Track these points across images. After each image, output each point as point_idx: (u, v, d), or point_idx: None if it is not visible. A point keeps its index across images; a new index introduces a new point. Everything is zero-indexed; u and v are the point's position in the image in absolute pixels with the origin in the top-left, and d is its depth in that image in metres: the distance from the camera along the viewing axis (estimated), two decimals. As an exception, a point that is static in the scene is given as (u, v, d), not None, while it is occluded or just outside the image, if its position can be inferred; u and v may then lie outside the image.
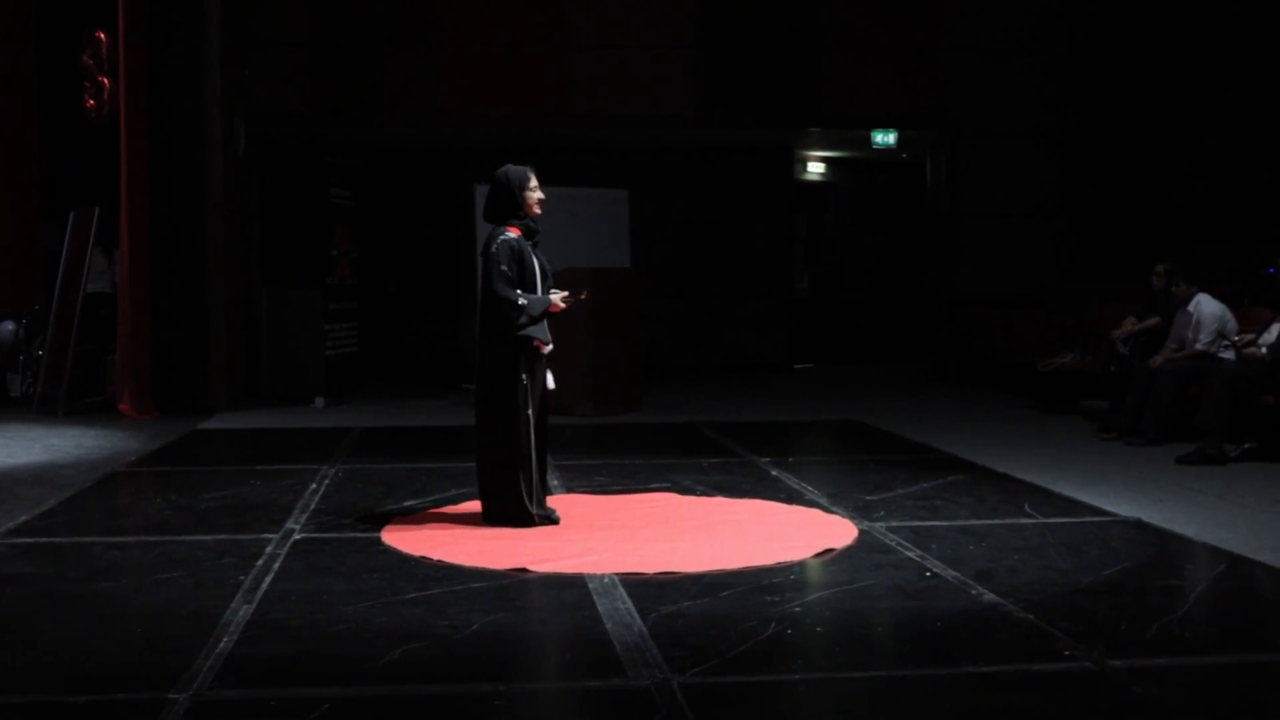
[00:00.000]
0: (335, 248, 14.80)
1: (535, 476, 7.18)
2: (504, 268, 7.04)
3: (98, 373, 13.45)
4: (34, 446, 10.62)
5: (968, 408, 13.52)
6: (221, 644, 4.98)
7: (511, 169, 7.28)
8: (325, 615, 5.42)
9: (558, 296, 7.21)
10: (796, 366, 18.62)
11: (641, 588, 5.85)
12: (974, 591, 5.80)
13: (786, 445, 10.95)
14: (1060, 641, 5.04)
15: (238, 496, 8.24)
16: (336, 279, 14.85)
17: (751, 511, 7.79)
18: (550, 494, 7.61)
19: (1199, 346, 10.68)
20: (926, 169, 18.06)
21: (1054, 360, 12.99)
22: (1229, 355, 10.37)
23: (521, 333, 7.05)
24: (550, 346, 7.20)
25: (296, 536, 7.00)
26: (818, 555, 6.54)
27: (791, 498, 8.18)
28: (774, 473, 9.18)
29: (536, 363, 7.17)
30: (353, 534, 7.09)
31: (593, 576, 6.05)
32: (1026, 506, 7.85)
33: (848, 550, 6.68)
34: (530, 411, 7.14)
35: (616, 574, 6.08)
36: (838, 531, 7.09)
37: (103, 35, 13.45)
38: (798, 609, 5.51)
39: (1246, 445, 9.64)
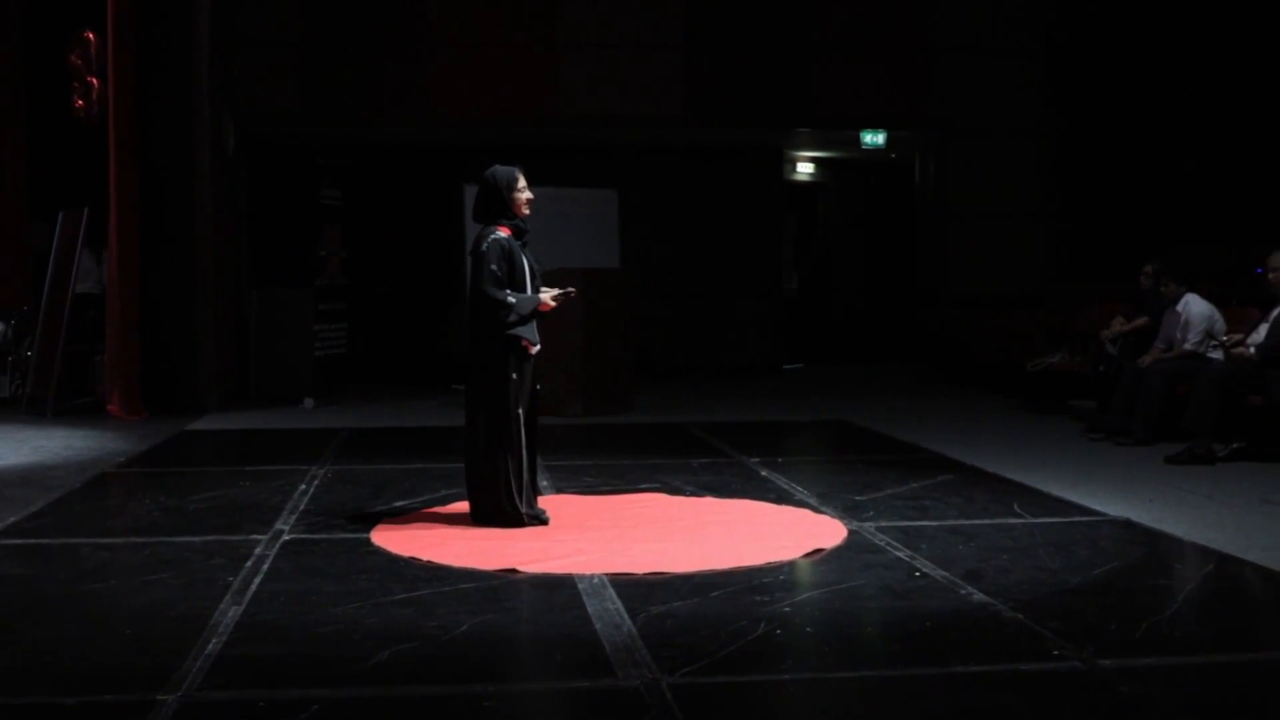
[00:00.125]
0: (325, 248, 14.79)
1: (525, 477, 7.18)
2: (494, 267, 7.04)
3: (86, 373, 13.42)
4: (22, 447, 10.60)
5: (957, 408, 13.54)
6: (210, 645, 4.98)
7: (500, 170, 7.27)
8: (314, 616, 5.41)
9: (547, 295, 7.21)
10: (786, 367, 18.63)
11: (631, 588, 5.84)
12: (963, 591, 5.80)
13: (776, 445, 10.96)
14: (1049, 641, 5.04)
15: (227, 497, 8.23)
16: (326, 279, 14.84)
17: (741, 512, 7.79)
18: (540, 494, 7.61)
19: (1187, 346, 10.71)
20: (916, 169, 18.09)
21: (1043, 360, 13.01)
22: (1217, 355, 10.40)
23: (510, 332, 7.05)
24: (538, 347, 7.20)
25: (286, 537, 6.99)
26: (807, 555, 6.55)
27: (781, 498, 8.19)
28: (763, 473, 9.18)
29: (525, 362, 7.17)
30: (342, 535, 7.09)
31: (582, 577, 6.04)
32: (1016, 506, 7.86)
33: (837, 550, 6.68)
34: (520, 411, 7.14)
35: (606, 574, 6.08)
36: (827, 531, 7.09)
37: (91, 35, 13.41)
38: (787, 609, 5.51)
39: (1235, 445, 9.67)
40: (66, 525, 7.47)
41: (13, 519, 7.56)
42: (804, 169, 20.14)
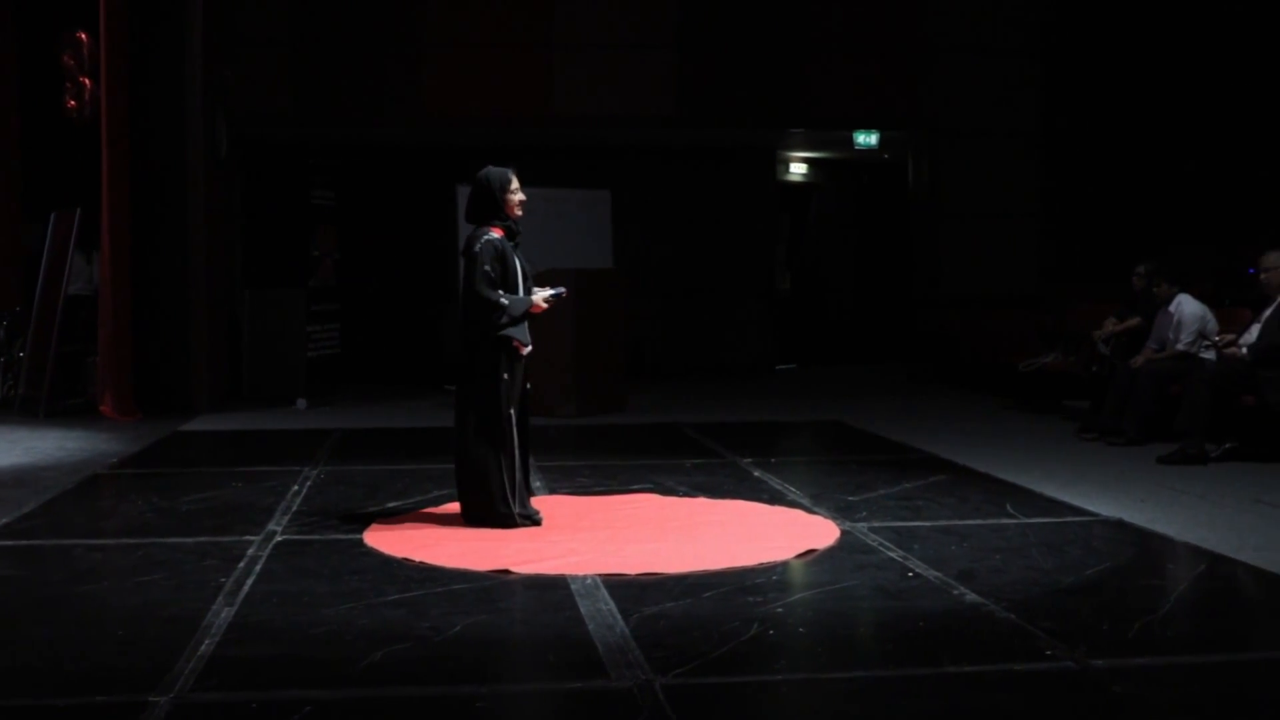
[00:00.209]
0: (317, 249, 14.78)
1: (518, 477, 7.17)
2: (487, 268, 7.04)
3: (79, 374, 13.40)
4: (15, 448, 10.58)
5: (950, 408, 13.54)
6: (203, 646, 4.97)
7: (493, 171, 7.27)
8: (307, 617, 5.40)
9: (539, 297, 7.21)
10: (779, 367, 18.62)
11: (624, 589, 5.84)
12: (956, 591, 5.81)
13: (769, 446, 10.96)
14: (1042, 641, 5.05)
15: (219, 498, 8.22)
16: (319, 280, 14.82)
17: (734, 512, 7.79)
18: (533, 495, 7.60)
19: (1180, 347, 10.72)
20: (909, 169, 18.10)
21: (1035, 360, 13.02)
22: (1210, 355, 10.40)
23: (501, 333, 7.05)
24: (530, 348, 7.20)
25: (278, 538, 6.99)
26: (800, 556, 6.55)
27: (774, 498, 8.19)
28: (756, 473, 9.18)
29: (516, 363, 7.17)
30: (335, 536, 7.08)
31: (575, 578, 6.04)
32: (1008, 507, 7.87)
33: (830, 551, 6.69)
34: (512, 411, 7.14)
35: (599, 575, 6.08)
36: (820, 532, 7.10)
37: (84, 35, 13.40)
38: (780, 610, 5.51)
39: (1227, 445, 9.67)
40: (59, 526, 7.46)
41: (5, 520, 7.55)
42: (797, 169, 20.15)
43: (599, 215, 16.12)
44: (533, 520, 7.21)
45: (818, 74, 16.73)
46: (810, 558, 6.53)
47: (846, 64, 16.81)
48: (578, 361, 12.85)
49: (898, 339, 18.84)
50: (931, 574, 6.13)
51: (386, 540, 6.87)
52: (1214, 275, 13.30)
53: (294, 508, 7.89)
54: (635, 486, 8.64)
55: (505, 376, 7.11)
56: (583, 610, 5.49)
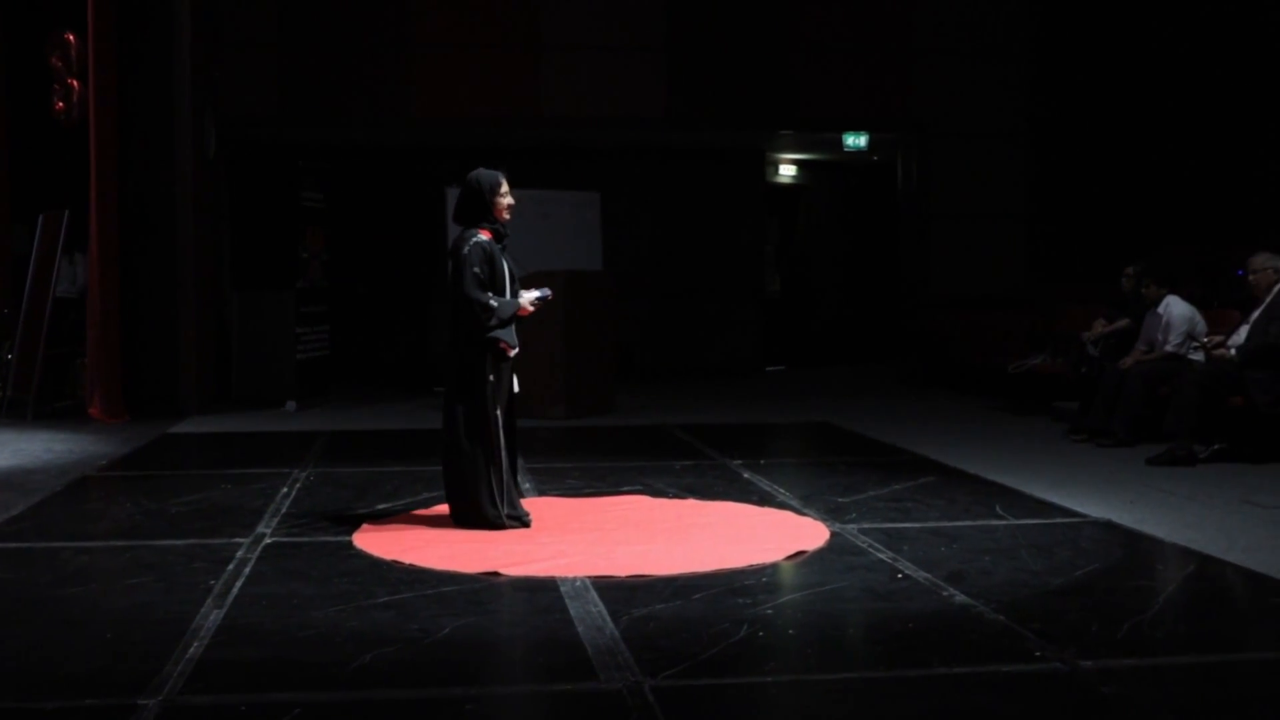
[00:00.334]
0: (306, 250, 14.75)
1: (505, 477, 7.17)
2: (476, 270, 7.04)
3: (67, 376, 13.37)
4: (2, 451, 10.55)
5: (939, 409, 13.56)
6: (191, 649, 4.96)
7: (484, 173, 7.27)
8: (296, 620, 5.40)
9: (526, 300, 7.21)
10: (768, 368, 18.64)
11: (613, 590, 5.84)
12: (945, 593, 5.81)
13: (758, 447, 10.96)
14: (1031, 642, 5.05)
15: (208, 500, 8.21)
16: (308, 282, 14.81)
17: (723, 514, 7.79)
18: (522, 496, 7.60)
19: (1169, 348, 10.74)
20: (898, 171, 18.12)
21: (1024, 362, 13.04)
22: (1198, 357, 10.42)
23: (489, 335, 7.05)
24: (516, 350, 7.20)
25: (267, 541, 6.98)
26: (790, 557, 6.55)
27: (763, 500, 8.19)
28: (746, 475, 9.19)
29: (503, 364, 7.17)
30: (324, 538, 7.07)
31: (564, 579, 6.04)
32: (997, 508, 7.87)
33: (819, 552, 6.69)
34: (499, 412, 7.13)
35: (588, 577, 6.08)
36: (809, 533, 7.10)
37: (72, 37, 13.37)
38: (770, 611, 5.51)
39: (1216, 446, 9.69)
40: (47, 529, 7.44)
41: (-7, 523, 7.54)
42: (786, 171, 20.17)
43: (588, 217, 16.13)
44: (522, 521, 7.21)
45: (807, 76, 16.75)
46: (800, 559, 6.53)
47: (835, 66, 16.84)
48: (567, 363, 12.84)
49: (887, 340, 18.88)
50: (921, 575, 6.13)
51: (376, 542, 6.87)
52: (1202, 276, 13.32)
53: (283, 510, 7.88)
54: (625, 488, 8.63)
55: (492, 378, 7.11)
56: (572, 612, 5.49)
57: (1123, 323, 11.57)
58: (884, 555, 6.56)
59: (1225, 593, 6.21)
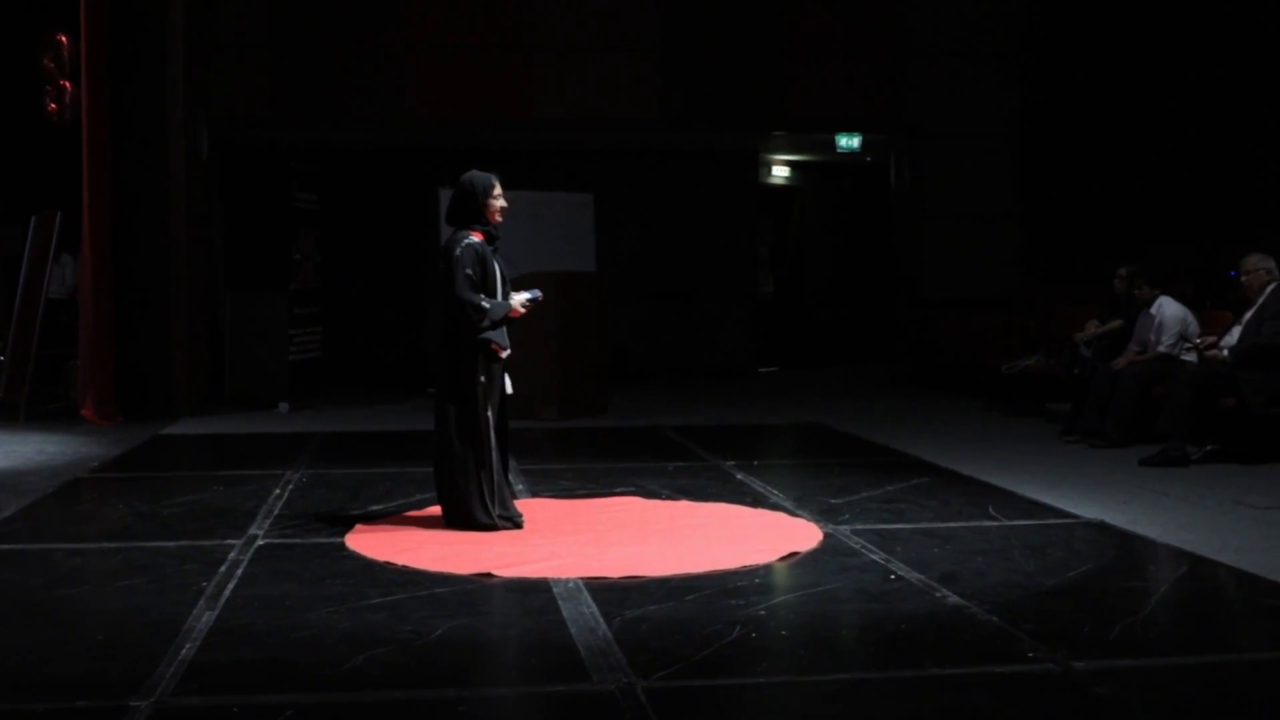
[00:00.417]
0: (299, 252, 14.74)
1: (496, 479, 7.17)
2: (469, 271, 7.04)
3: (60, 378, 13.35)
4: (-6, 452, 10.55)
5: (932, 410, 13.56)
6: (184, 651, 4.95)
7: (477, 175, 7.26)
8: (288, 621, 5.39)
9: (517, 301, 7.21)
10: (761, 369, 18.64)
11: (606, 592, 5.84)
12: (938, 594, 5.81)
13: (751, 448, 10.96)
14: (1024, 643, 5.05)
15: (201, 502, 8.20)
16: (300, 283, 14.79)
17: (716, 515, 7.79)
18: (515, 498, 7.60)
19: (1161, 349, 10.75)
20: (890, 172, 18.13)
21: (1017, 363, 13.04)
22: (1191, 358, 10.43)
23: (481, 336, 7.05)
24: (508, 351, 7.20)
25: (260, 542, 6.97)
26: (782, 558, 6.55)
27: (756, 501, 8.19)
28: (739, 476, 9.19)
29: (494, 365, 7.17)
30: (316, 539, 7.06)
31: (557, 581, 6.04)
32: (990, 509, 7.88)
33: (812, 553, 6.69)
34: (490, 413, 7.13)
35: (581, 578, 6.08)
36: (802, 535, 7.10)
37: (64, 38, 13.35)
38: (762, 612, 5.51)
39: (1209, 447, 9.70)
40: (39, 530, 7.44)
41: (-15, 524, 7.53)
42: (779, 172, 20.18)
43: (581, 218, 16.12)
44: (514, 522, 7.20)
45: (800, 77, 16.75)
46: (793, 560, 6.53)
47: (828, 67, 16.84)
48: (560, 365, 12.84)
49: (879, 341, 18.89)
50: (914, 576, 6.13)
51: (368, 544, 6.86)
52: (1195, 277, 13.33)
53: (276, 511, 7.87)
54: (618, 489, 8.63)
55: (483, 379, 7.11)
56: (565, 613, 5.48)
57: (1115, 324, 11.58)
58: (877, 556, 6.57)
59: (1218, 594, 6.22)
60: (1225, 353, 9.90)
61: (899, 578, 6.12)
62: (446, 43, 16.11)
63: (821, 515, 7.65)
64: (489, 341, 7.08)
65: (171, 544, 6.94)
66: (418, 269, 16.86)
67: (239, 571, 6.27)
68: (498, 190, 7.25)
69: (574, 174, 17.10)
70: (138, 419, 12.57)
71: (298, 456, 10.20)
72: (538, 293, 7.42)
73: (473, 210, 7.21)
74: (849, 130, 17.36)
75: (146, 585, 6.03)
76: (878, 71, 17.00)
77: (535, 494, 8.47)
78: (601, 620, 5.35)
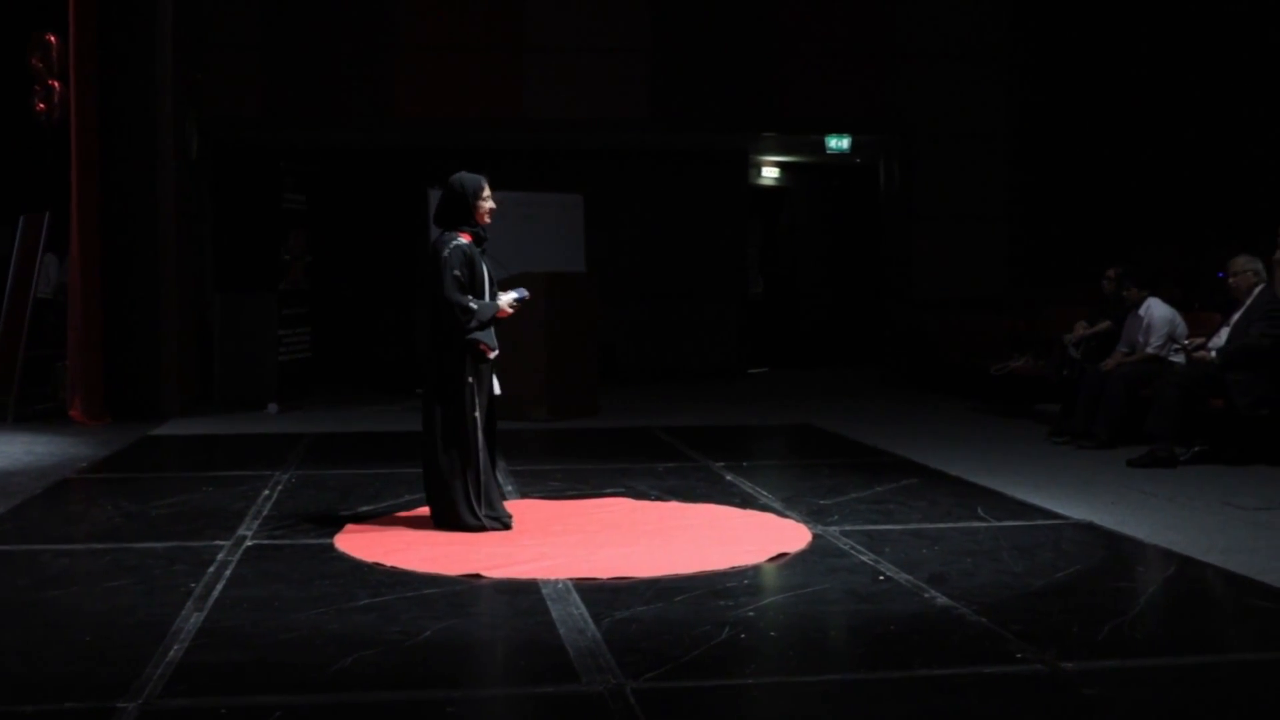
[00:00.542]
0: (289, 252, 14.73)
1: (484, 479, 7.16)
2: (457, 273, 7.04)
3: (48, 378, 13.32)
4: (-17, 453, 10.53)
5: (921, 411, 13.58)
6: (172, 652, 4.94)
7: (466, 177, 7.26)
8: (277, 622, 5.38)
9: (505, 301, 7.21)
10: (751, 370, 18.65)
11: (595, 593, 5.84)
12: (927, 595, 5.82)
13: (741, 449, 10.96)
14: (1013, 644, 5.06)
15: (190, 503, 8.18)
16: (290, 284, 14.78)
17: (706, 516, 7.79)
18: (505, 499, 7.59)
19: (1150, 350, 10.77)
20: (880, 173, 18.15)
21: (1006, 364, 13.06)
22: (1179, 359, 10.46)
23: (469, 337, 7.05)
24: (496, 351, 7.19)
25: (249, 543, 6.96)
26: (772, 559, 6.55)
27: (745, 502, 8.19)
28: (728, 477, 9.19)
29: (483, 366, 7.17)
30: (305, 540, 7.06)
31: (546, 582, 6.03)
32: (979, 510, 7.89)
33: (801, 554, 6.69)
34: (478, 414, 7.13)
35: (570, 579, 6.07)
36: (792, 536, 7.10)
37: (53, 38, 13.32)
38: (751, 613, 5.51)
39: (1197, 448, 9.72)
40: (27, 531, 7.42)
41: (-28, 525, 7.51)
42: (769, 173, 20.19)
43: (572, 219, 16.11)
44: (502, 523, 7.20)
45: (790, 78, 16.77)
46: (782, 561, 6.54)
47: (819, 68, 16.85)
48: (550, 365, 12.84)
49: (869, 342, 18.90)
50: (903, 577, 6.14)
51: (357, 545, 6.86)
52: (1183, 279, 13.36)
53: (265, 512, 7.86)
54: (607, 490, 8.63)
55: (471, 380, 7.11)
56: (554, 614, 5.48)
57: (1104, 325, 11.60)
58: (866, 557, 6.57)
59: (1205, 594, 6.23)
60: (1213, 354, 9.92)
61: (888, 578, 6.13)
62: (437, 43, 16.11)
63: (811, 516, 7.65)
64: (477, 342, 7.08)
65: (160, 545, 6.92)
66: (408, 270, 16.84)
67: (227, 572, 6.26)
68: (486, 192, 7.25)
69: (564, 174, 17.10)
70: (126, 420, 12.55)
71: (287, 457, 10.19)
72: (524, 292, 7.41)
73: (461, 212, 7.21)
74: (839, 131, 17.37)
75: (134, 586, 6.02)
76: (868, 73, 17.02)
77: (524, 495, 8.47)
78: (590, 621, 5.35)
